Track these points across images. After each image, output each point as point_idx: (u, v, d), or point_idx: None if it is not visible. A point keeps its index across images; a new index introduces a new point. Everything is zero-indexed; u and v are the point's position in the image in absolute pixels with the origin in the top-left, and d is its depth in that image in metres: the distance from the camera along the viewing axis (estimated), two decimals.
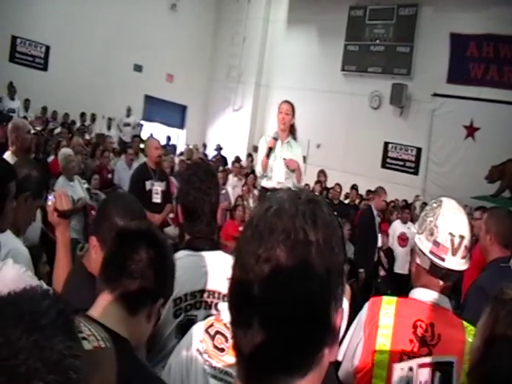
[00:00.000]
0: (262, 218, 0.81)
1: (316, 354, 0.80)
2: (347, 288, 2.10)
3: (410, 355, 1.82)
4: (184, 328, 2.12)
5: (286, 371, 0.78)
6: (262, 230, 0.79)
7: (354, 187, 11.96)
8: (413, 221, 8.91)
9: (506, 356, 1.21)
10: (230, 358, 1.59)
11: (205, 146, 17.25)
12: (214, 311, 2.20)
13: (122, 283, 1.43)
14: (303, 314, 0.77)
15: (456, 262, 1.89)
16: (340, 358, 1.98)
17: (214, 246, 2.36)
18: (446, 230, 1.89)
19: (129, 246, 1.46)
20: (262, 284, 0.77)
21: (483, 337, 1.44)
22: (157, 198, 6.39)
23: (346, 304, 1.94)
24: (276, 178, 5.02)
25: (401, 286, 7.40)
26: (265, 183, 5.10)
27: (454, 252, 1.88)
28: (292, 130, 5.20)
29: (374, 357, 1.85)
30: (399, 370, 1.81)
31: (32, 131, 5.41)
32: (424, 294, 1.94)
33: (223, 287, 2.21)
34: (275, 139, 5.11)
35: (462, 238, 1.89)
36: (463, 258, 1.90)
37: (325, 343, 0.80)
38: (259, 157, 5.24)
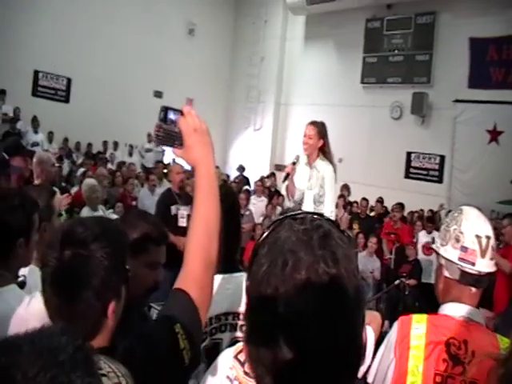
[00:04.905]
0: (279, 276, 0.82)
1: None
2: (377, 316, 2.02)
3: (444, 375, 1.76)
4: (210, 352, 2.10)
5: None
6: (279, 286, 0.81)
7: (379, 200, 11.86)
8: (438, 230, 8.78)
9: None
10: None
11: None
12: (239, 333, 2.20)
13: None
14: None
15: (486, 264, 1.87)
16: (370, 381, 1.91)
17: (237, 267, 2.36)
18: (472, 233, 1.88)
19: None
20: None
21: None
22: (183, 222, 6.41)
23: (370, 334, 1.88)
24: (306, 206, 4.72)
25: (428, 297, 7.24)
26: (287, 204, 4.86)
27: (483, 254, 1.86)
28: (324, 153, 4.79)
29: (407, 379, 1.79)
30: None
31: (56, 164, 5.52)
32: (455, 309, 1.88)
33: None
34: (294, 164, 4.80)
35: (488, 238, 1.88)
36: (492, 259, 1.89)
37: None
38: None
